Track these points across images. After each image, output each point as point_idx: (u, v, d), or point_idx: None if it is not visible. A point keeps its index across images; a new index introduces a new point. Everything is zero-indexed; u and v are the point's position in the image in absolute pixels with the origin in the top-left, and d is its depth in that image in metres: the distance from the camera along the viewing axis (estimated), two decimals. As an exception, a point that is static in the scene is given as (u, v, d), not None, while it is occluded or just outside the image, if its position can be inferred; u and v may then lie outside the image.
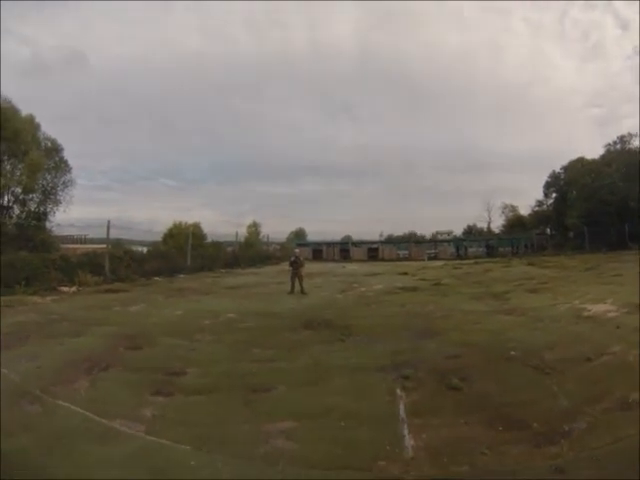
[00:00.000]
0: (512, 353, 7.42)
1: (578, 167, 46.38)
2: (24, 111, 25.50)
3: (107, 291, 16.85)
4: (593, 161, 45.89)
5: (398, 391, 5.94)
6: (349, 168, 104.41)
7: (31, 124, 25.72)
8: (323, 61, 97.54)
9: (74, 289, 17.16)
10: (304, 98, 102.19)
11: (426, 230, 60.19)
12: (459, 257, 46.03)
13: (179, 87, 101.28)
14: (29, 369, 6.92)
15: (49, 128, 27.93)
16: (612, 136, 46.87)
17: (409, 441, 4.56)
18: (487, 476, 3.91)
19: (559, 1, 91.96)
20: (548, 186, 50.88)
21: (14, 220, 24.83)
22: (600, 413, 5.00)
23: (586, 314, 10.23)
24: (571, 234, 46.16)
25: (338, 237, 57.19)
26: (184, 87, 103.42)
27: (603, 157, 45.30)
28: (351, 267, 33.10)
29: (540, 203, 52.80)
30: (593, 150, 63.99)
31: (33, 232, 24.53)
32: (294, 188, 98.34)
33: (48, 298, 14.85)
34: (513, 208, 58.13)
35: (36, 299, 14.51)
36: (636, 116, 52.31)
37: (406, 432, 4.76)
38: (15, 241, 21.49)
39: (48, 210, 26.85)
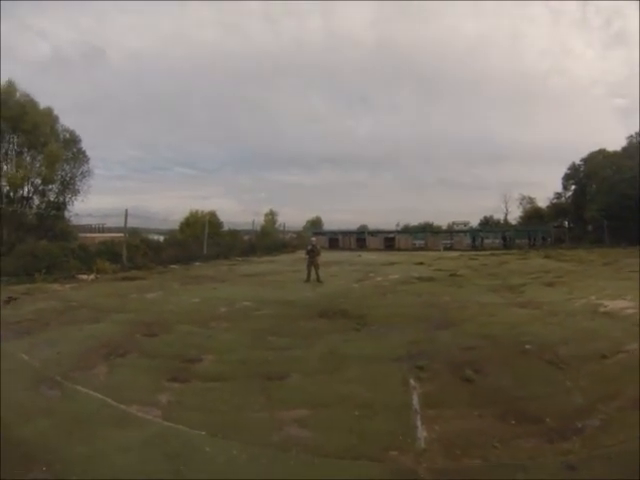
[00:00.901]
0: (527, 347, 7.39)
1: (599, 159, 45.56)
2: (43, 104, 25.92)
3: (124, 279, 17.10)
4: (614, 153, 44.98)
5: (412, 381, 5.97)
6: (366, 158, 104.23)
7: (49, 116, 26.08)
8: (339, 51, 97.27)
9: (92, 277, 17.46)
10: (321, 88, 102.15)
11: (442, 220, 59.80)
12: (475, 248, 45.73)
13: (195, 78, 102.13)
14: (49, 355, 7.10)
15: (67, 120, 28.33)
16: (635, 127, 46.04)
17: (422, 432, 4.59)
18: (498, 470, 3.93)
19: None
20: (567, 178, 50.13)
21: (34, 210, 25.22)
22: (614, 411, 4.97)
23: (603, 310, 10.14)
24: (590, 227, 45.52)
25: (354, 226, 57.31)
26: (200, 78, 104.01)
27: (625, 149, 44.36)
28: (367, 256, 33.09)
29: (559, 195, 52.12)
30: (615, 142, 62.61)
31: (53, 222, 25.09)
32: (311, 177, 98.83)
33: (67, 286, 15.12)
34: (531, 200, 57.38)
35: (56, 287, 14.80)
36: (661, 107, 51.09)
37: (419, 423, 4.79)
38: (35, 231, 21.98)
39: (67, 200, 27.23)
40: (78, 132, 28.11)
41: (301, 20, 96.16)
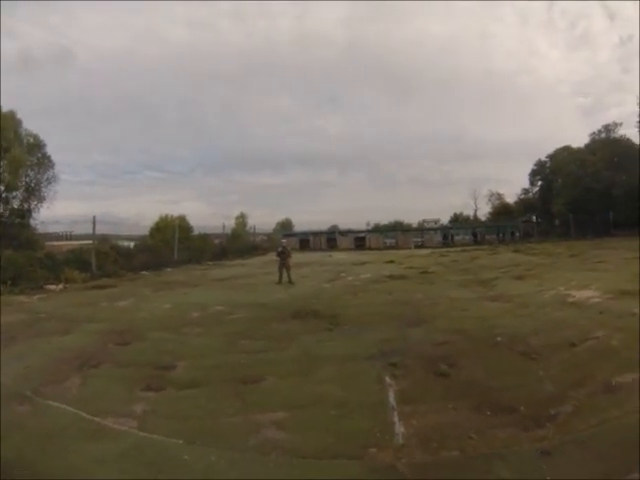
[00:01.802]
0: (498, 339, 7.53)
1: (564, 155, 46.92)
2: (5, 107, 25.12)
3: (94, 287, 16.66)
4: (578, 150, 46.42)
5: (387, 379, 6.01)
6: (335, 158, 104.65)
7: (12, 120, 25.28)
8: (310, 51, 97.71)
9: (61, 287, 16.97)
10: (290, 88, 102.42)
11: (413, 219, 60.55)
12: (446, 245, 46.40)
13: (164, 79, 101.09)
14: (18, 370, 6.83)
15: (31, 124, 27.58)
16: (598, 125, 47.55)
17: (399, 428, 4.62)
18: (476, 460, 3.98)
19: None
20: (534, 174, 51.51)
21: (-3, 219, 24.43)
22: (585, 397, 5.12)
23: (571, 300, 10.42)
24: (557, 221, 46.81)
25: (325, 227, 57.36)
26: (169, 79, 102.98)
27: (588, 146, 45.83)
28: (338, 256, 33.21)
29: (526, 191, 53.50)
30: (579, 139, 64.49)
31: (17, 230, 24.23)
32: (280, 178, 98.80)
33: (35, 297, 14.67)
34: (499, 196, 58.75)
35: (22, 298, 14.32)
36: (622, 105, 52.95)
37: (396, 419, 4.82)
38: (-1, 240, 21.18)
39: (32, 207, 26.57)
40: (42, 136, 27.52)
41: (272, 20, 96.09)
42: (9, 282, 15.80)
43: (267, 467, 4.03)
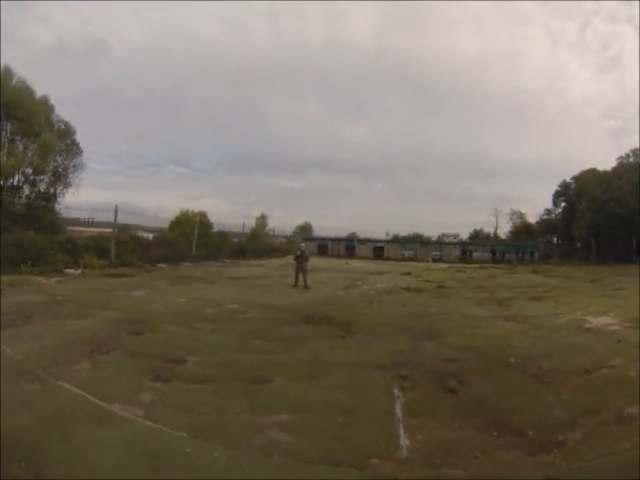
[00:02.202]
0: (511, 360, 7.42)
1: (589, 178, 46.10)
2: (39, 92, 25.46)
3: (111, 275, 16.93)
4: (604, 173, 45.55)
5: (396, 390, 5.98)
6: (358, 165, 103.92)
7: (45, 106, 25.66)
8: (339, 57, 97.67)
9: (79, 271, 17.29)
10: (317, 93, 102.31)
11: (432, 232, 60.10)
12: (464, 261, 45.91)
13: (193, 74, 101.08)
14: (31, 349, 6.98)
15: (63, 110, 27.99)
16: (626, 149, 46.69)
17: (404, 441, 4.59)
18: (479, 481, 3.94)
19: (582, 10, 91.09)
20: (558, 195, 50.74)
21: (23, 200, 24.80)
22: (595, 425, 5.01)
23: (587, 326, 10.22)
24: (578, 244, 46.06)
25: (343, 233, 57.24)
26: (198, 75, 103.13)
27: (615, 169, 44.97)
28: (355, 264, 33.12)
29: (549, 212, 52.67)
30: (606, 162, 63.55)
31: (42, 213, 24.54)
32: (302, 182, 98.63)
33: (53, 279, 14.96)
34: (521, 215, 57.92)
35: (41, 280, 14.62)
36: (651, 130, 52.03)
37: (401, 432, 4.79)
38: (23, 221, 21.51)
39: (58, 192, 26.88)
40: (73, 123, 27.80)
41: (303, 22, 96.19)
42: (30, 263, 16.08)
43: (268, 468, 4.03)
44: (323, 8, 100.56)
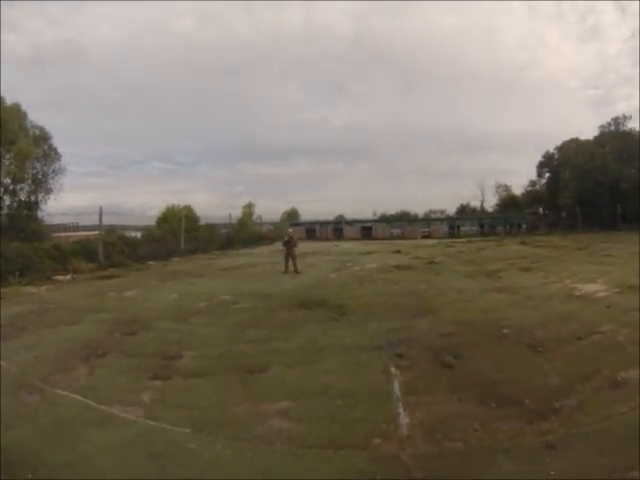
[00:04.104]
0: (504, 331, 7.52)
1: (572, 147, 46.52)
2: (9, 100, 25.02)
3: (102, 277, 16.75)
4: (587, 142, 46.00)
5: (392, 369, 6.03)
6: (343, 149, 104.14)
7: (17, 113, 25.12)
8: (318, 42, 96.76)
9: (69, 277, 17.05)
10: (297, 79, 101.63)
11: (419, 209, 60.51)
12: (452, 236, 46.29)
13: (171, 70, 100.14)
14: (27, 360, 6.90)
15: (37, 116, 27.55)
16: (607, 118, 47.14)
17: (404, 419, 4.64)
18: (480, 452, 3.99)
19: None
20: (542, 166, 51.20)
21: (5, 211, 24.42)
22: (590, 391, 5.12)
23: (577, 293, 10.40)
24: (564, 214, 46.51)
25: (331, 217, 57.37)
26: (176, 70, 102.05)
27: (597, 138, 45.45)
28: (344, 246, 33.27)
29: (533, 183, 53.25)
30: (588, 131, 64.13)
31: (25, 222, 24.08)
32: (287, 168, 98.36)
33: (43, 288, 14.72)
34: (506, 188, 58.32)
35: (31, 289, 14.39)
36: (631, 98, 52.49)
37: (401, 410, 4.84)
38: (7, 232, 21.12)
39: (39, 199, 26.48)
40: (49, 128, 27.36)
41: (280, 11, 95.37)
42: (17, 273, 15.87)
43: (272, 456, 4.05)
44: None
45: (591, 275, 12.83)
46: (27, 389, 5.77)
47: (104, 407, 5.14)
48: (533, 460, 3.83)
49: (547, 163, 50.61)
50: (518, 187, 57.03)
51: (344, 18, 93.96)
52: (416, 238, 44.18)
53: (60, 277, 16.86)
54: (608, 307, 8.79)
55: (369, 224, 52.10)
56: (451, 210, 59.45)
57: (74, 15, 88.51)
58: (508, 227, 48.85)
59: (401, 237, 46.40)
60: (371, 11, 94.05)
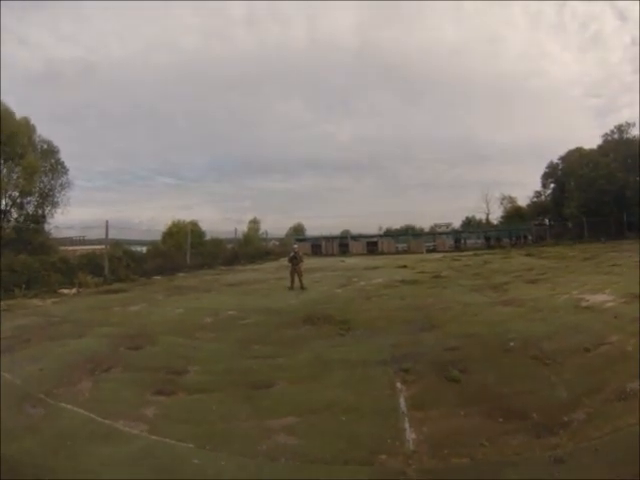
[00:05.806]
0: (511, 344, 7.46)
1: (576, 157, 46.46)
2: (19, 114, 25.23)
3: (107, 292, 16.85)
4: (591, 151, 45.92)
5: (398, 384, 5.99)
6: (348, 163, 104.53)
7: (27, 127, 25.42)
8: (321, 56, 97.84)
9: (74, 291, 17.16)
10: (302, 94, 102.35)
11: (425, 223, 60.61)
12: (458, 249, 46.12)
13: (177, 86, 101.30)
14: (31, 372, 6.93)
15: (45, 130, 27.81)
16: (610, 126, 47.08)
17: (410, 434, 4.60)
18: (487, 467, 3.95)
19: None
20: (546, 177, 51.14)
21: (12, 224, 24.51)
22: (599, 403, 5.06)
23: (584, 304, 10.29)
24: (570, 224, 46.24)
25: (337, 232, 57.32)
26: (182, 86, 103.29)
27: (601, 147, 45.35)
28: (350, 261, 33.18)
29: (538, 194, 53.07)
30: (591, 140, 64.13)
31: (32, 235, 24.24)
32: (293, 183, 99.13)
33: (49, 301, 14.84)
34: (511, 199, 58.28)
35: (37, 302, 14.50)
36: (634, 106, 52.45)
37: (407, 425, 4.80)
38: (14, 244, 21.30)
39: (46, 212, 26.67)
40: (57, 143, 27.65)
41: (284, 26, 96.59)
42: (24, 286, 15.97)
43: (277, 472, 4.03)
44: (301, 10, 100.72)
45: (598, 285, 12.71)
46: (31, 402, 5.78)
47: (108, 421, 5.14)
48: (541, 475, 3.78)
49: (552, 173, 50.56)
50: (523, 198, 57.01)
51: (348, 32, 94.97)
52: (422, 252, 44.04)
53: (66, 290, 17.00)
54: (616, 317, 8.70)
55: (375, 239, 51.99)
56: (456, 223, 59.46)
57: (83, 31, 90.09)
58: (514, 239, 48.69)
59: (407, 252, 46.24)
60: (375, 24, 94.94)
